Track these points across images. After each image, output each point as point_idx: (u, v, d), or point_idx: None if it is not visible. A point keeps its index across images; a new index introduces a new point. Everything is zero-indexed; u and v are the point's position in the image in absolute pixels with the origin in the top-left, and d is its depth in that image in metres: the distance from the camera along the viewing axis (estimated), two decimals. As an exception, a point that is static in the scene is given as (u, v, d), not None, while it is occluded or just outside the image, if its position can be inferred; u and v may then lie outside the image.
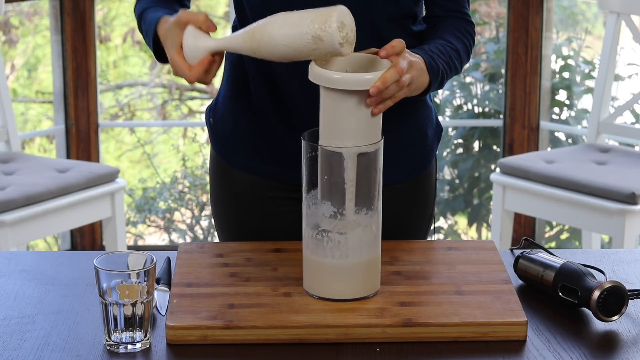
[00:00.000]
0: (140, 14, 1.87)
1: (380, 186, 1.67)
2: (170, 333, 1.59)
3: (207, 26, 1.70)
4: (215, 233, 4.76)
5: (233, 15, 1.98)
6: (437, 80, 1.81)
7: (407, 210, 1.99)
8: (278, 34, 1.63)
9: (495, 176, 3.71)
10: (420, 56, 1.77)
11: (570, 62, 4.62)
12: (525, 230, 4.36)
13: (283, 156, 1.92)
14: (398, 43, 1.69)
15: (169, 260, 1.81)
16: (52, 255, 1.91)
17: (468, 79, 4.66)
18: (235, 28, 1.97)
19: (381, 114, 1.66)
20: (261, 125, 1.93)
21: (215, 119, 1.99)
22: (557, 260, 1.73)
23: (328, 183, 1.63)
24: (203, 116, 5.08)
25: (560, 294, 1.69)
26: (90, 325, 1.64)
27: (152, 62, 5.34)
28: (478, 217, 4.65)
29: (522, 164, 3.65)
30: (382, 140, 1.65)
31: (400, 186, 1.97)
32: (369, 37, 1.82)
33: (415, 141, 1.97)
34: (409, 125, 1.95)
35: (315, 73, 1.64)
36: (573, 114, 4.59)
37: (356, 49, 1.72)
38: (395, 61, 1.68)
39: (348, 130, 1.62)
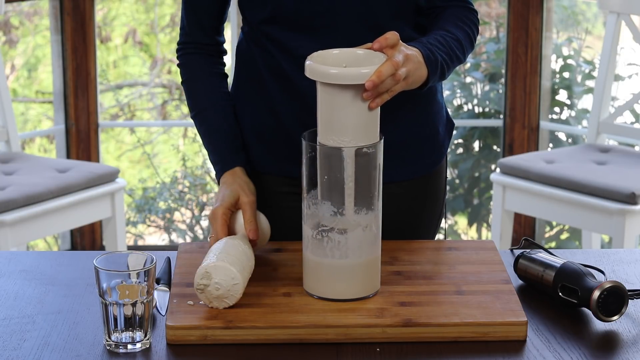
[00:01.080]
0: (195, 115, 1.96)
1: (380, 186, 1.67)
2: (170, 333, 1.59)
3: (249, 235, 1.79)
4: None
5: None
6: (436, 72, 1.80)
7: (417, 208, 1.99)
8: None
9: (495, 176, 3.71)
10: (417, 49, 1.77)
11: (571, 62, 4.62)
12: (525, 230, 4.36)
13: (296, 153, 1.91)
14: (391, 35, 1.68)
15: (169, 260, 1.81)
16: (52, 255, 1.91)
17: (468, 79, 4.66)
18: (243, 29, 1.97)
19: (379, 109, 1.65)
20: (273, 123, 1.92)
21: None
22: (557, 260, 1.73)
23: (328, 182, 1.63)
24: (203, 116, 5.05)
25: (560, 294, 1.69)
26: (90, 325, 1.64)
27: (152, 62, 5.35)
28: (478, 217, 4.65)
29: (522, 164, 3.65)
30: (382, 140, 1.65)
31: (411, 183, 1.96)
32: (374, 35, 1.81)
33: (426, 138, 1.96)
34: (420, 122, 1.95)
35: (312, 69, 1.63)
36: (573, 113, 4.59)
37: (357, 46, 1.72)
38: (391, 54, 1.67)
39: (346, 125, 1.62)
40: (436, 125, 1.97)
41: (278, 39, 1.88)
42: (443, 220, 2.11)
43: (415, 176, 1.97)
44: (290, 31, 1.86)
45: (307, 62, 1.65)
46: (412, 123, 1.93)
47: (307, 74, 1.64)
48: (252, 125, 1.95)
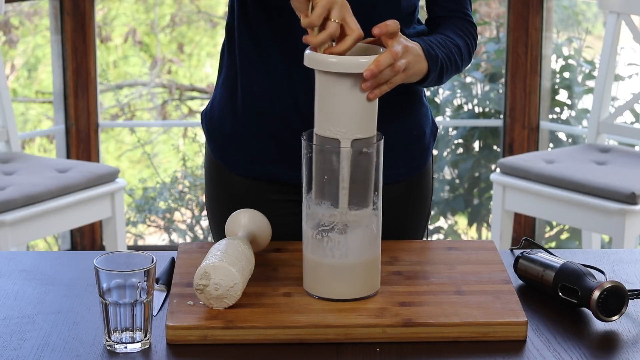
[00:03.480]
0: None
1: (380, 185, 1.67)
2: (170, 333, 1.59)
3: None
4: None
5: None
6: (436, 68, 1.80)
7: (404, 209, 1.99)
8: None
9: (495, 176, 3.71)
10: (417, 43, 1.77)
11: (571, 62, 4.62)
12: (525, 230, 4.36)
13: (283, 155, 1.91)
14: (392, 22, 1.67)
15: (173, 260, 1.81)
16: (52, 255, 1.91)
17: (468, 79, 4.66)
18: (228, 25, 1.95)
19: (377, 103, 1.65)
20: (260, 125, 1.92)
21: (212, 122, 1.98)
22: (557, 260, 1.73)
23: (328, 182, 1.63)
24: (203, 116, 5.06)
25: (560, 294, 1.69)
26: (90, 325, 1.64)
27: (152, 62, 5.35)
28: (478, 217, 4.65)
29: (522, 164, 3.65)
30: (382, 140, 1.65)
31: (398, 185, 1.96)
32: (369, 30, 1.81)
33: (413, 140, 1.97)
34: (408, 124, 1.95)
35: (311, 58, 1.63)
36: (574, 113, 4.59)
37: None
38: (390, 45, 1.67)
39: (343, 115, 1.62)
40: (423, 126, 1.98)
41: (273, 25, 1.86)
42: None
43: (402, 178, 1.97)
44: (286, 17, 1.84)
45: (307, 52, 1.65)
46: (401, 124, 1.94)
47: (306, 62, 1.64)
48: (237, 129, 1.94)
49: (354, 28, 1.65)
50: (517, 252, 1.83)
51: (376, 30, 1.66)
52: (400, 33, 1.70)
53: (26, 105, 5.21)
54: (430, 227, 4.65)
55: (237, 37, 1.91)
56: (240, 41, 1.91)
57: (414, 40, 1.77)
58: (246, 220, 1.80)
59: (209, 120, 1.99)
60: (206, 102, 2.25)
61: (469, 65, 2.01)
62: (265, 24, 1.87)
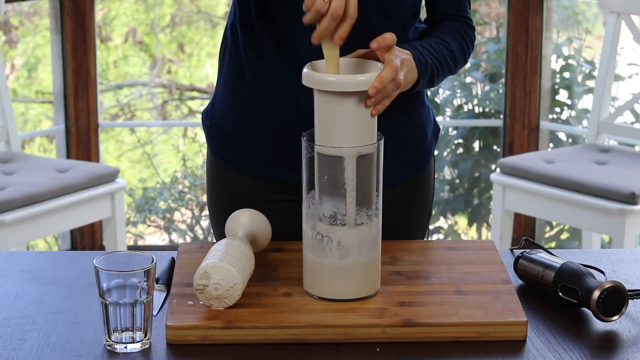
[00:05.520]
0: None
1: (381, 186, 1.67)
2: (170, 333, 1.59)
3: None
4: (215, 233, 4.75)
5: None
6: (427, 75, 1.80)
7: (406, 211, 1.99)
8: None
9: (495, 176, 3.71)
10: (408, 51, 1.76)
11: (571, 62, 4.62)
12: (525, 230, 4.36)
13: (284, 157, 1.91)
14: (389, 36, 1.67)
15: (173, 260, 1.81)
16: (52, 255, 1.91)
17: (468, 79, 4.67)
18: (232, 26, 1.95)
19: (377, 116, 1.65)
20: (261, 126, 1.92)
21: (213, 121, 1.98)
22: (557, 260, 1.73)
23: (327, 183, 1.63)
24: (203, 116, 5.06)
25: (560, 294, 1.69)
26: (90, 325, 1.64)
27: (152, 62, 5.35)
28: (478, 217, 4.65)
29: (522, 164, 3.65)
30: (382, 140, 1.65)
31: (399, 187, 1.96)
32: (366, 40, 1.81)
33: (415, 141, 1.97)
34: (409, 126, 1.95)
35: (309, 77, 1.63)
36: (574, 113, 4.59)
37: (351, 51, 1.72)
38: (388, 58, 1.67)
39: (344, 132, 1.62)
40: (425, 128, 1.97)
41: (273, 29, 1.86)
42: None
43: (403, 180, 1.97)
44: (288, 23, 1.84)
45: (305, 70, 1.65)
46: (403, 126, 1.94)
47: (305, 82, 1.64)
48: (238, 129, 1.94)
49: (352, 9, 1.62)
50: (517, 252, 1.83)
51: (374, 44, 1.66)
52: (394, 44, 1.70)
53: (26, 105, 5.21)
54: (431, 227, 4.65)
55: (241, 39, 1.91)
56: (243, 43, 1.91)
57: (405, 47, 1.77)
58: (246, 220, 1.80)
59: (210, 119, 1.99)
60: (206, 102, 2.26)
61: (465, 65, 2.01)
62: (266, 27, 1.87)
